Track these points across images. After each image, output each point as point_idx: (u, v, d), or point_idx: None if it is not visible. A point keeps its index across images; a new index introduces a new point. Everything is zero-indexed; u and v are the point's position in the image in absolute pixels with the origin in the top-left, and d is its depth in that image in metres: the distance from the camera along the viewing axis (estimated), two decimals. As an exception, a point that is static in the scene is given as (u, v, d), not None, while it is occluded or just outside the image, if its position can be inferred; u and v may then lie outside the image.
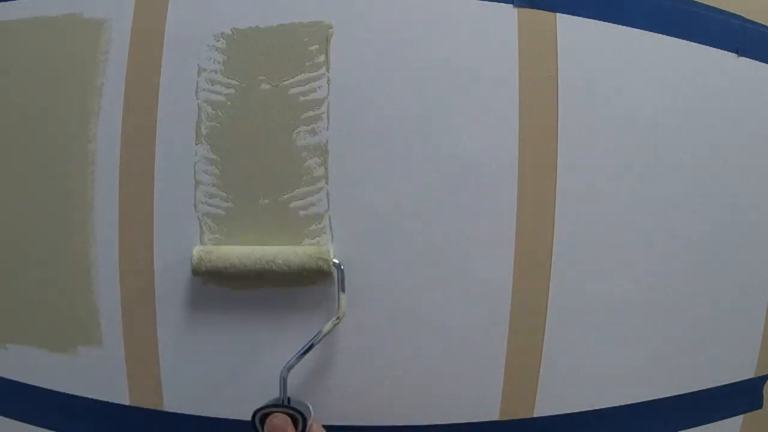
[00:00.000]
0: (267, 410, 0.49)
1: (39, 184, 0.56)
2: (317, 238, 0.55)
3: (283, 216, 0.55)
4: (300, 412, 0.49)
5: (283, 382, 0.51)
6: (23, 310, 0.57)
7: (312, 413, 0.51)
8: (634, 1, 0.55)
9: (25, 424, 0.58)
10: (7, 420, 0.58)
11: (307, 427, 0.49)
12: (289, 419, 0.49)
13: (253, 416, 0.49)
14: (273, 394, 0.52)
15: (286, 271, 0.52)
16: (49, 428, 0.58)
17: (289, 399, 0.51)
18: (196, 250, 0.53)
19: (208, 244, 0.54)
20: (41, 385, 0.57)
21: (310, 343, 0.52)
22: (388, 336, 0.55)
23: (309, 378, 0.55)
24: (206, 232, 0.55)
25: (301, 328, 0.54)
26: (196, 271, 0.53)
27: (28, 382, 0.57)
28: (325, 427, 0.53)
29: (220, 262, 0.52)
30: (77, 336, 0.56)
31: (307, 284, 0.55)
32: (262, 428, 0.49)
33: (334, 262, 0.53)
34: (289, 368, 0.52)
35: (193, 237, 0.55)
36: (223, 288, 0.55)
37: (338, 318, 0.53)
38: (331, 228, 0.55)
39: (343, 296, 0.53)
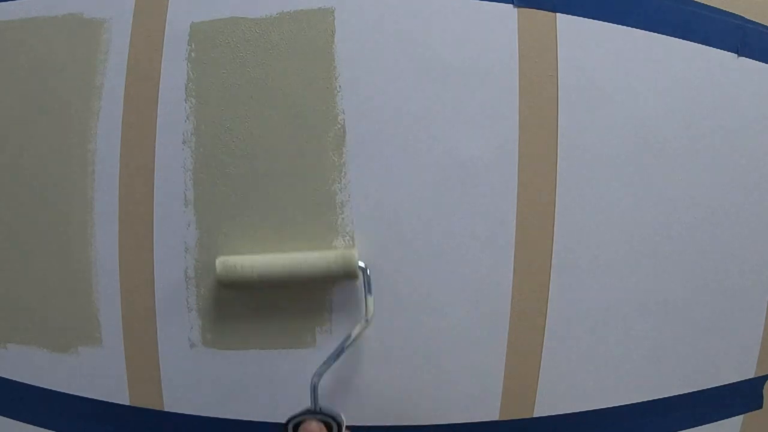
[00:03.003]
0: (301, 418, 0.48)
1: (39, 184, 0.56)
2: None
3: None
4: (334, 419, 0.48)
5: (314, 389, 0.50)
6: (23, 310, 0.57)
7: (345, 421, 0.50)
8: (634, 1, 0.55)
9: (25, 424, 0.58)
10: (7, 420, 0.58)
11: None
12: (323, 426, 0.48)
13: (286, 425, 0.48)
14: (296, 398, 0.51)
15: (313, 277, 0.52)
16: (49, 428, 0.58)
17: (320, 407, 0.50)
18: (220, 261, 0.52)
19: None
20: (41, 385, 0.57)
21: (340, 348, 0.51)
22: (391, 340, 0.55)
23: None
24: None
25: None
26: (221, 282, 0.52)
27: (28, 382, 0.57)
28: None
29: (245, 272, 0.52)
30: (77, 336, 0.56)
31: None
32: None
33: (360, 266, 0.53)
34: (320, 375, 0.51)
35: (192, 234, 0.55)
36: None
37: (367, 321, 0.52)
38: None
39: (370, 299, 0.52)
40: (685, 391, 0.58)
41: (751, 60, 0.56)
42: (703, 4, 0.56)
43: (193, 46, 0.54)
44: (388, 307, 0.55)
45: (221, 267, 0.52)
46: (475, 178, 0.55)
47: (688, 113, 0.56)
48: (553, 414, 0.57)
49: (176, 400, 0.56)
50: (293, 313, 0.55)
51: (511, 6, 0.54)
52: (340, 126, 0.54)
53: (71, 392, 0.57)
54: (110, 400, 0.56)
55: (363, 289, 0.53)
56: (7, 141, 0.56)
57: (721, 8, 0.56)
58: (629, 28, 0.55)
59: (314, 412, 0.49)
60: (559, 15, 0.54)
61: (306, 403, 0.51)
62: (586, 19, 0.55)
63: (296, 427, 0.48)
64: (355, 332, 0.52)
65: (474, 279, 0.55)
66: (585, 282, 0.56)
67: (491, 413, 0.56)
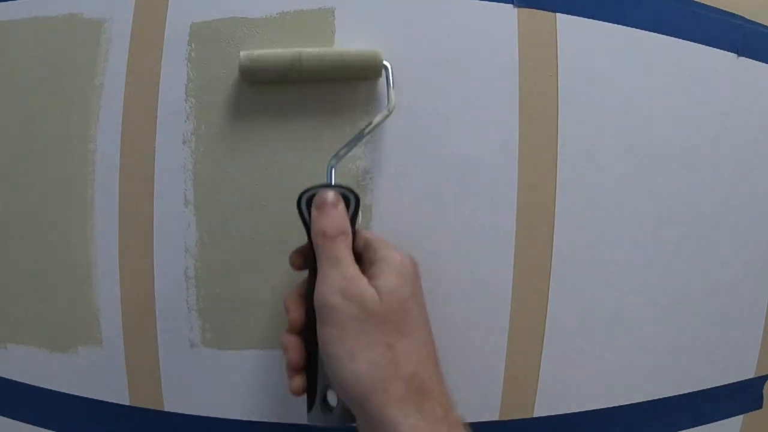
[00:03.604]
0: (315, 190, 0.46)
1: (39, 184, 0.56)
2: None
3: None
4: (352, 192, 0.46)
5: (331, 170, 0.48)
6: (23, 310, 0.57)
7: (360, 202, 0.47)
8: (634, 1, 0.55)
9: (25, 424, 0.58)
10: (7, 420, 0.58)
11: (358, 214, 0.46)
12: (340, 197, 0.45)
13: (299, 198, 0.46)
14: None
15: (338, 71, 0.51)
16: (49, 428, 0.58)
17: (336, 183, 0.48)
18: (244, 53, 0.52)
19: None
20: (41, 385, 0.57)
21: (360, 134, 0.50)
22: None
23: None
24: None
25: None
26: (243, 74, 0.52)
27: (28, 382, 0.57)
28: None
29: (268, 64, 0.51)
30: (77, 336, 0.56)
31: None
32: (309, 210, 0.45)
33: (384, 64, 0.52)
34: (339, 158, 0.48)
35: (193, 234, 0.55)
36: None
37: (389, 111, 0.51)
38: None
39: (392, 91, 0.51)
40: (685, 391, 0.58)
41: (751, 60, 0.56)
42: (703, 4, 0.56)
43: (193, 46, 0.54)
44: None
45: (245, 58, 0.51)
46: (475, 178, 0.55)
47: (688, 113, 0.56)
48: (553, 414, 0.57)
49: (176, 400, 0.56)
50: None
51: (511, 6, 0.54)
52: (340, 126, 0.54)
53: (71, 392, 0.57)
54: (110, 400, 0.56)
55: (387, 82, 0.52)
56: (7, 141, 0.56)
57: (721, 8, 0.56)
58: (629, 28, 0.55)
59: (331, 185, 0.46)
60: (559, 15, 0.54)
61: None
62: (586, 19, 0.55)
63: (309, 201, 0.45)
64: (376, 120, 0.50)
65: (474, 279, 0.55)
66: (585, 282, 0.56)
67: (491, 413, 0.56)
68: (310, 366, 0.46)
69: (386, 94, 0.52)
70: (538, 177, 0.55)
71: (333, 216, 0.44)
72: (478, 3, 0.54)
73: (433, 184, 0.55)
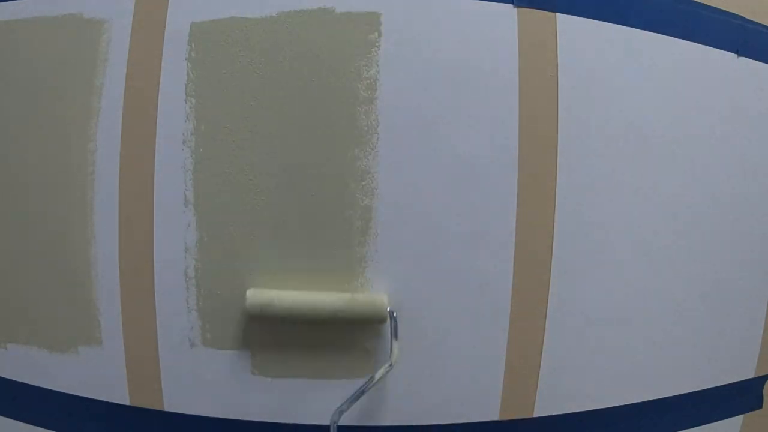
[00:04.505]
0: None
1: (39, 184, 0.56)
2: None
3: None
4: None
5: (334, 427, 0.51)
6: (23, 310, 0.57)
7: None
8: (634, 1, 0.55)
9: (25, 424, 0.58)
10: (7, 420, 0.58)
11: None
12: None
13: None
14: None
15: (342, 319, 0.53)
16: (49, 428, 0.58)
17: None
18: (251, 293, 0.53)
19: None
20: (41, 385, 0.57)
21: (361, 390, 0.52)
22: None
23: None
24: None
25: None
26: (250, 312, 0.53)
27: (28, 382, 0.57)
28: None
29: (275, 308, 0.52)
30: (77, 336, 0.56)
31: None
32: None
33: (388, 311, 0.53)
34: (340, 413, 0.51)
35: (192, 234, 0.55)
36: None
37: (391, 365, 0.53)
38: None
39: (396, 344, 0.53)
40: (685, 391, 0.58)
41: (751, 60, 0.56)
42: (703, 4, 0.56)
43: (193, 46, 0.54)
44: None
45: (252, 299, 0.53)
46: (475, 178, 0.55)
47: (688, 113, 0.56)
48: (553, 414, 0.57)
49: (176, 400, 0.56)
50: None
51: (511, 6, 0.54)
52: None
53: (71, 392, 0.57)
54: (110, 400, 0.56)
55: (390, 333, 0.53)
56: (7, 141, 0.56)
57: (721, 8, 0.56)
58: (629, 28, 0.55)
59: None
60: (559, 15, 0.54)
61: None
62: (586, 19, 0.55)
63: None
64: (378, 375, 0.53)
65: (474, 279, 0.55)
66: (585, 282, 0.56)
67: (491, 413, 0.56)
68: None
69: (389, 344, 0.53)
70: (538, 176, 0.55)
71: None
72: (478, 3, 0.54)
73: (433, 183, 0.55)
